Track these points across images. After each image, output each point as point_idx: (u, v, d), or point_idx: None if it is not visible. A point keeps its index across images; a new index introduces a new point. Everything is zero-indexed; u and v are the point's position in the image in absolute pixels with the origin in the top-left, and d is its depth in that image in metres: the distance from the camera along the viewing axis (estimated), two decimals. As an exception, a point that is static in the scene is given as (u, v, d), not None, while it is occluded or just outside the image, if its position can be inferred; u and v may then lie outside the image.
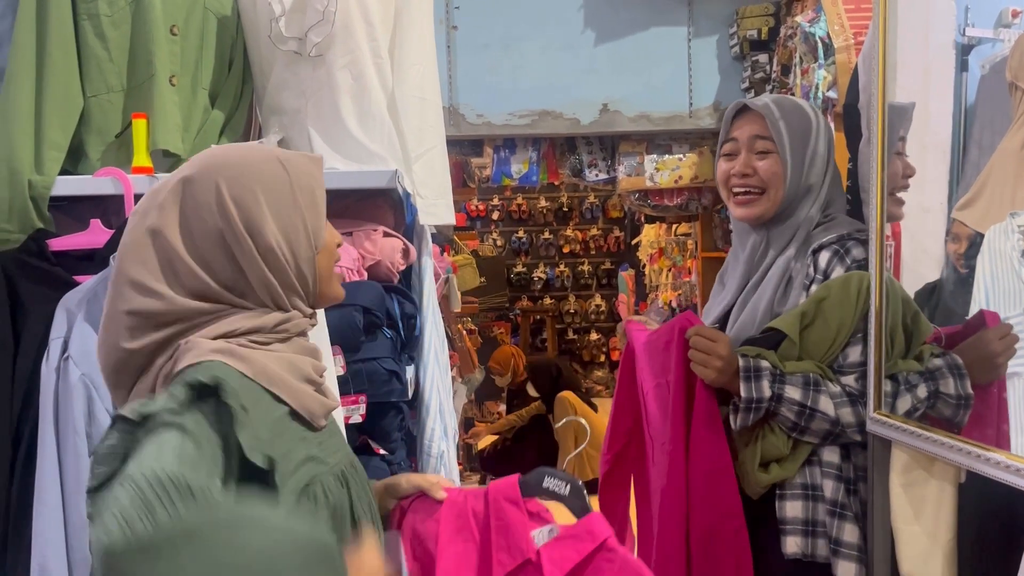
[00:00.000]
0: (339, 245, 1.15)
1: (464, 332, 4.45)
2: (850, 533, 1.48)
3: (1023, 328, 1.40)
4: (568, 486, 1.19)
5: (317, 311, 1.15)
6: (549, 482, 1.19)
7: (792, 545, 1.49)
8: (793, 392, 1.48)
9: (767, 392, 1.48)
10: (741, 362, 1.50)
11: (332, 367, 1.60)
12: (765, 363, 1.50)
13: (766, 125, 1.61)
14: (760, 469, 1.52)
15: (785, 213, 1.63)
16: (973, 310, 1.50)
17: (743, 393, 1.48)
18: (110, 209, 1.63)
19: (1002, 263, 1.44)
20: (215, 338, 0.99)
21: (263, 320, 1.03)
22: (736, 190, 1.65)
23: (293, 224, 1.06)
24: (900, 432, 1.42)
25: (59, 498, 1.41)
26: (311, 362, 1.08)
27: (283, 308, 1.06)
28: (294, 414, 1.02)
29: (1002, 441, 1.30)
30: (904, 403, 1.46)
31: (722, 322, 1.70)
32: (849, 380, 1.52)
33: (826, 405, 1.48)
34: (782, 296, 1.59)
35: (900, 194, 1.59)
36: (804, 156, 1.61)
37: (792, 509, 1.50)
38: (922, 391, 1.44)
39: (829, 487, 1.50)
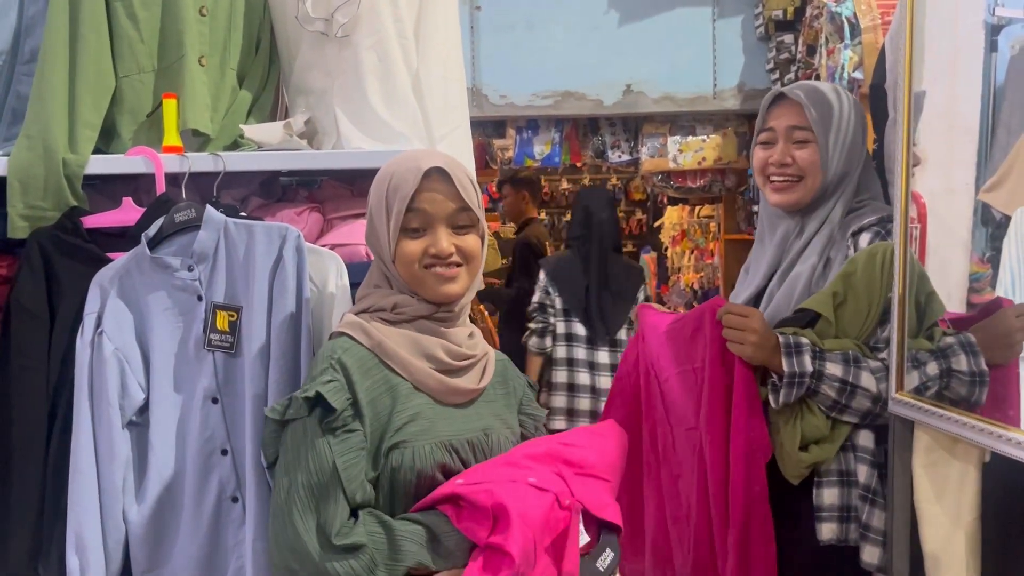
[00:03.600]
0: (437, 254, 1.26)
1: (485, 312, 4.47)
2: (878, 519, 1.50)
3: (1049, 310, 1.40)
4: (605, 568, 1.24)
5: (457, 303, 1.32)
6: (605, 553, 1.24)
7: (827, 531, 1.50)
8: (834, 368, 1.48)
9: (809, 366, 1.47)
10: (781, 339, 1.50)
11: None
12: (804, 340, 1.50)
13: (804, 114, 1.62)
14: (800, 450, 1.51)
15: (820, 200, 1.64)
16: (998, 293, 1.50)
17: (785, 368, 1.48)
18: (141, 187, 1.66)
19: (1029, 246, 1.43)
20: (360, 311, 1.31)
21: (385, 302, 1.29)
22: (774, 178, 1.66)
23: (377, 231, 1.30)
24: (922, 413, 1.42)
25: (94, 467, 1.45)
26: (441, 344, 1.29)
27: (409, 294, 1.30)
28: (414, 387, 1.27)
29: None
30: (912, 380, 1.46)
31: (754, 305, 1.70)
32: (885, 356, 1.52)
33: (868, 381, 1.48)
34: (820, 277, 1.60)
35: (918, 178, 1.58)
36: (842, 142, 1.62)
37: (829, 496, 1.51)
38: (932, 368, 1.44)
39: (863, 472, 1.51)
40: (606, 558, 1.23)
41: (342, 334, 1.28)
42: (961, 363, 1.41)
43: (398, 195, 1.26)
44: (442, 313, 1.31)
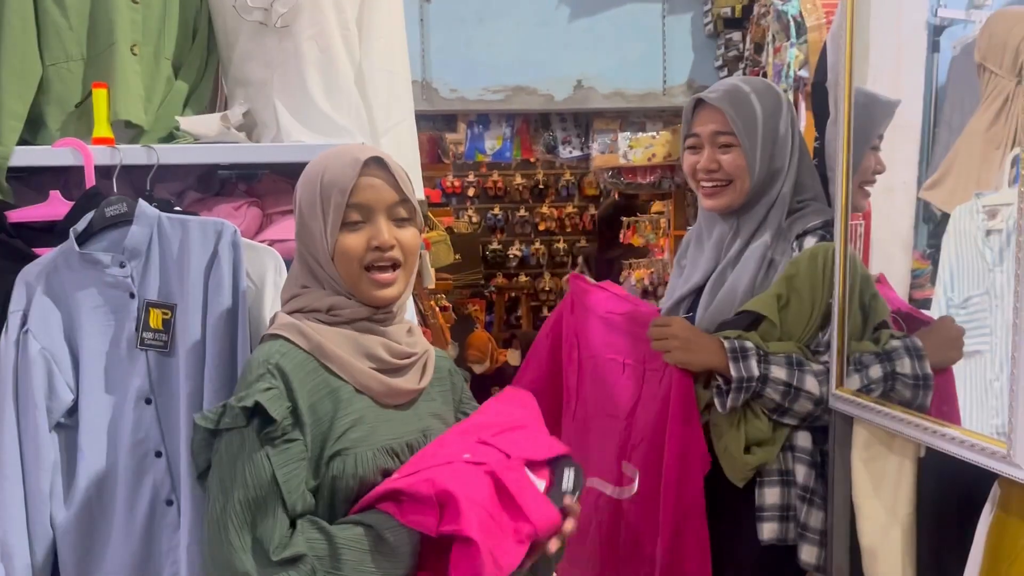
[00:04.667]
0: (378, 247, 1.21)
1: (437, 309, 4.44)
2: (815, 519, 1.52)
3: (984, 307, 1.42)
4: (572, 486, 1.23)
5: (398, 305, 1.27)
6: (565, 475, 1.24)
7: (768, 531, 1.51)
8: (779, 372, 1.49)
9: (756, 371, 1.48)
10: (726, 343, 1.50)
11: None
12: (749, 343, 1.50)
13: (725, 119, 1.61)
14: (744, 453, 1.52)
15: (754, 200, 1.64)
16: (938, 289, 1.52)
17: (733, 373, 1.48)
18: (70, 181, 1.60)
19: (966, 243, 1.46)
20: (293, 311, 1.24)
21: (320, 303, 1.23)
22: (704, 184, 1.66)
23: (310, 229, 1.23)
24: (861, 409, 1.44)
25: (19, 472, 1.40)
26: (382, 342, 1.24)
27: (345, 296, 1.24)
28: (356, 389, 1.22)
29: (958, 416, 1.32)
30: (853, 383, 1.47)
31: (690, 305, 1.70)
32: (826, 359, 1.53)
33: (812, 384, 1.50)
34: (763, 280, 1.60)
35: (867, 187, 1.60)
36: (767, 142, 1.62)
37: (771, 496, 1.52)
38: (875, 371, 1.45)
39: (801, 472, 1.52)
40: (568, 478, 1.23)
41: (277, 336, 1.22)
42: (905, 366, 1.42)
43: (336, 188, 1.20)
44: (380, 314, 1.27)
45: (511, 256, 8.58)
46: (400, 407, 1.27)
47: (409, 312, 1.76)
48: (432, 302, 4.33)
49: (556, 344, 1.81)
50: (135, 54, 1.63)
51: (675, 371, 1.54)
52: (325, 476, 1.17)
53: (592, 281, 1.82)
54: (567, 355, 1.78)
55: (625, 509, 1.63)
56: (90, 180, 1.52)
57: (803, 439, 1.53)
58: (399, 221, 1.25)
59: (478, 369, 5.65)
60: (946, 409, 1.34)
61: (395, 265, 1.24)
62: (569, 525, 1.20)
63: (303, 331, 1.21)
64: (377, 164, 1.23)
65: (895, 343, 1.45)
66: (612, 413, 1.65)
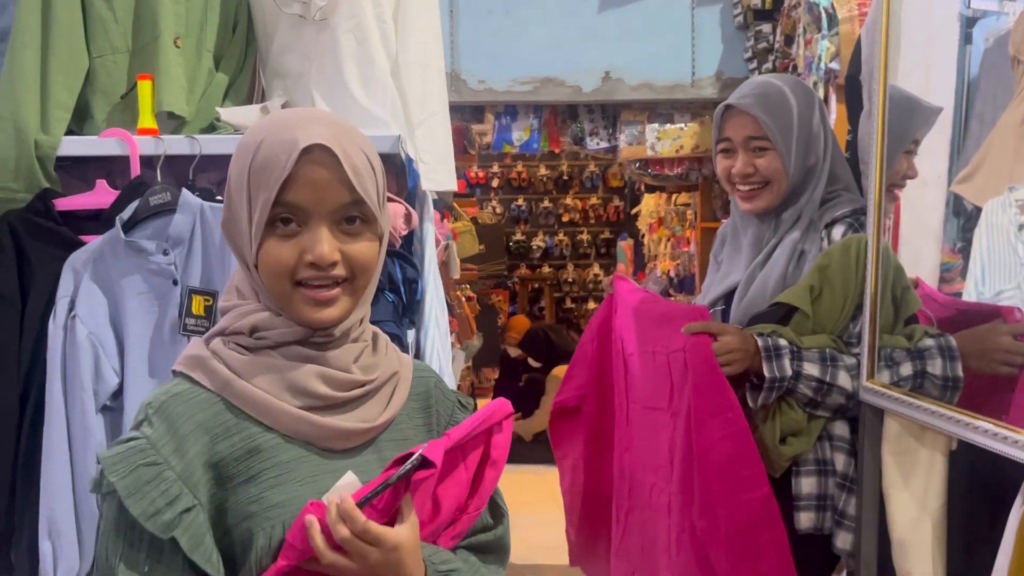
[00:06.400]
0: (315, 262, 0.91)
1: (463, 299, 4.47)
2: (854, 507, 1.52)
3: (1017, 301, 1.42)
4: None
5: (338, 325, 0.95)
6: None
7: (805, 520, 1.52)
8: (811, 368, 1.49)
9: (788, 370, 1.48)
10: (760, 342, 1.49)
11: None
12: (783, 340, 1.50)
13: (758, 124, 1.60)
14: (779, 443, 1.53)
15: (792, 197, 1.64)
16: (968, 283, 1.52)
17: (766, 373, 1.48)
18: (115, 170, 1.64)
19: (999, 237, 1.45)
20: (216, 334, 0.96)
21: (243, 323, 0.94)
22: (740, 187, 1.66)
23: (235, 219, 0.95)
24: (892, 401, 1.44)
25: (67, 453, 1.44)
26: (319, 372, 0.94)
27: (274, 311, 0.95)
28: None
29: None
30: (883, 378, 1.48)
31: (726, 300, 1.71)
32: (858, 351, 1.53)
33: (844, 380, 1.50)
34: (794, 271, 1.60)
35: (896, 191, 1.60)
36: (802, 142, 1.61)
37: (807, 485, 1.53)
38: (906, 369, 1.45)
39: (841, 461, 1.53)
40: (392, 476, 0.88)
41: (177, 374, 0.95)
42: (936, 367, 1.42)
43: (263, 178, 0.90)
44: (319, 337, 0.95)
45: (535, 247, 8.59)
46: (351, 452, 0.96)
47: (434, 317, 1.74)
48: (458, 292, 4.36)
49: (603, 347, 1.81)
50: (178, 47, 1.67)
51: (690, 346, 1.50)
52: (250, 550, 0.89)
53: (635, 283, 1.84)
54: (615, 357, 1.78)
55: (677, 504, 1.59)
56: (135, 170, 1.56)
57: (840, 428, 1.54)
58: (349, 229, 0.94)
59: (513, 352, 5.72)
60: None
61: (337, 282, 0.94)
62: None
63: (208, 366, 0.93)
64: (322, 153, 0.91)
65: (928, 341, 1.45)
66: (653, 406, 1.64)
